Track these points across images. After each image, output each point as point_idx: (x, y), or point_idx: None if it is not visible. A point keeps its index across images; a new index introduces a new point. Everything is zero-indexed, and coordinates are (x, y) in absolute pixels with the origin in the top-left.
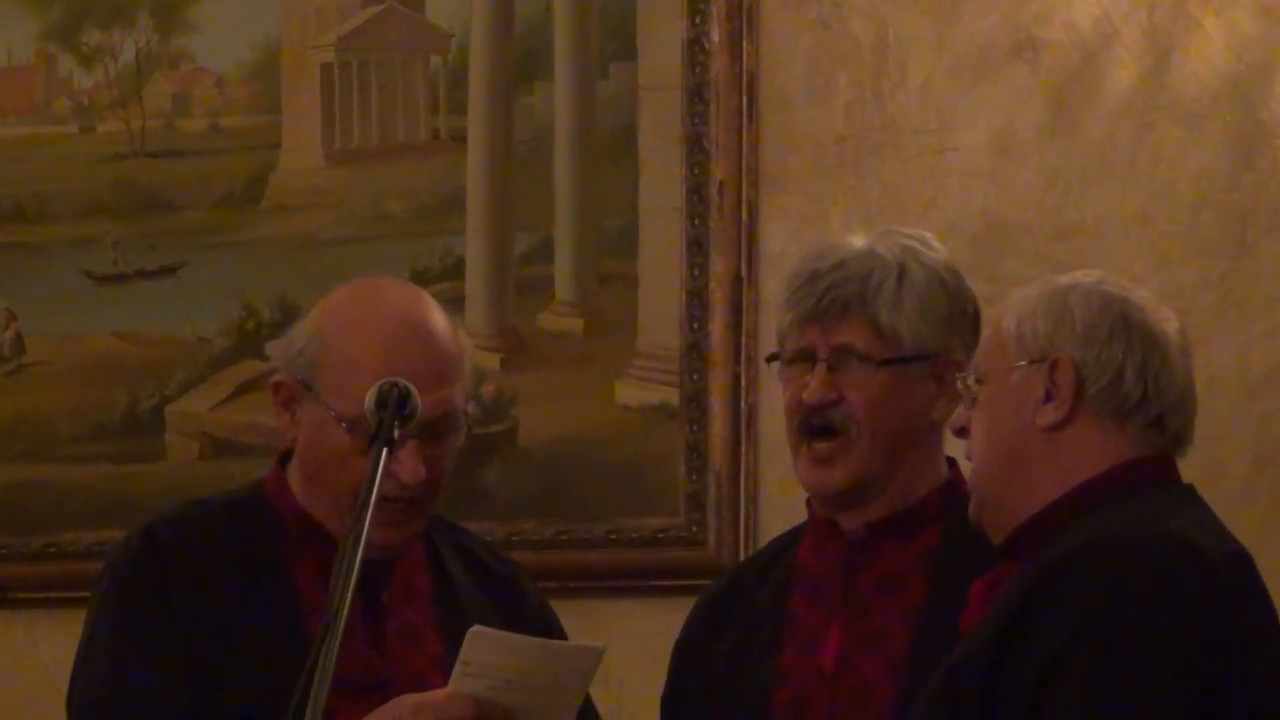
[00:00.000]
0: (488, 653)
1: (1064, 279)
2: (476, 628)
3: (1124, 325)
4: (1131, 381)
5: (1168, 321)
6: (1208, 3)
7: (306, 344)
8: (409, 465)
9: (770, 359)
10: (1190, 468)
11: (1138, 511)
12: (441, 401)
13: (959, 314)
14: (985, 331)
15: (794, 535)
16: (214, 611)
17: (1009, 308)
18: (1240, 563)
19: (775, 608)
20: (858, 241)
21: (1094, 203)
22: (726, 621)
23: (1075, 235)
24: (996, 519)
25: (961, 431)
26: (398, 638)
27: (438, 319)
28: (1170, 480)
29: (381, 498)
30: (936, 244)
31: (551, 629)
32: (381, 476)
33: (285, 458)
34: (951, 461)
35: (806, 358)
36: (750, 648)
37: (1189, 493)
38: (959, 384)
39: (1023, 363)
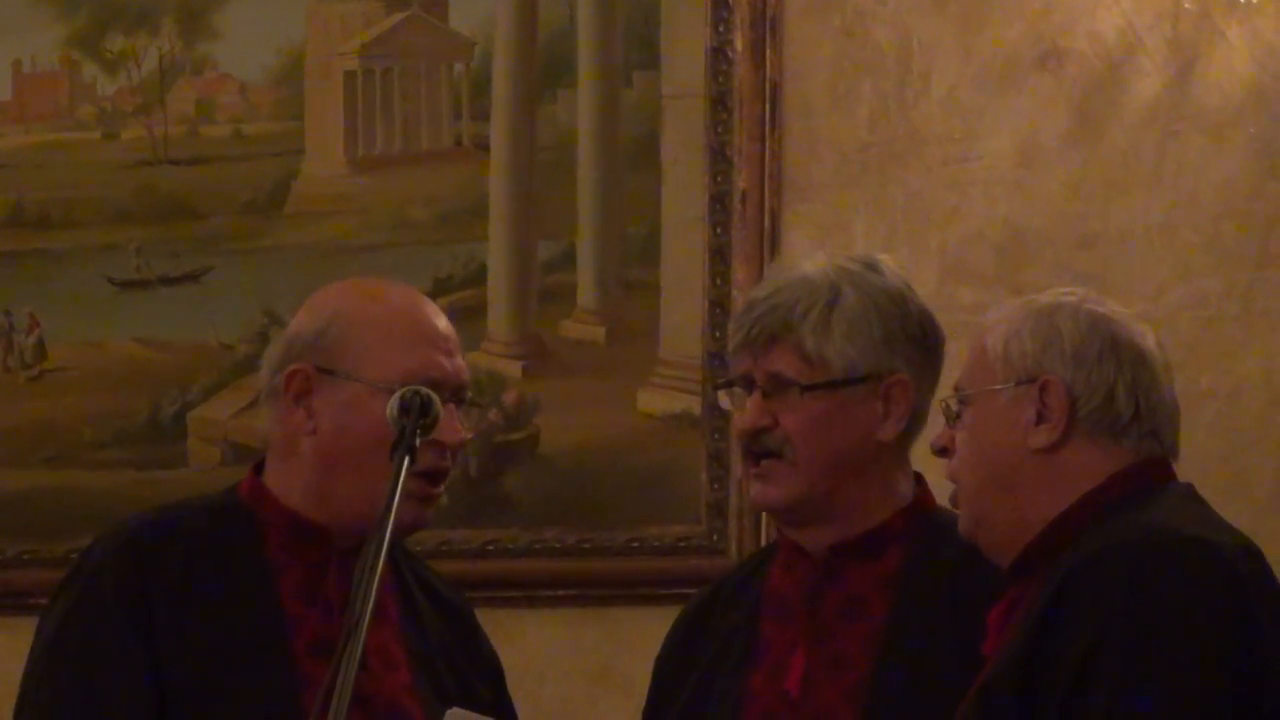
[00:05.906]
0: None
1: (1044, 298)
2: (452, 710)
3: (1113, 345)
4: (1123, 400)
5: (1146, 337)
6: (1232, 13)
7: (323, 330)
8: (449, 427)
9: (717, 387)
10: (1216, 478)
11: (1147, 516)
12: (464, 368)
13: (898, 335)
14: (963, 350)
15: (770, 551)
16: (195, 631)
17: (991, 327)
18: (1253, 556)
19: (747, 626)
20: (806, 266)
21: (1117, 212)
22: (702, 637)
23: (1098, 245)
24: (992, 538)
25: (943, 451)
26: (374, 657)
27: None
28: (1169, 481)
29: (413, 474)
30: (887, 268)
31: (498, 671)
32: (419, 450)
33: (258, 466)
34: (919, 480)
35: (746, 384)
36: (722, 666)
37: (1190, 491)
38: (940, 405)
39: (1011, 384)
